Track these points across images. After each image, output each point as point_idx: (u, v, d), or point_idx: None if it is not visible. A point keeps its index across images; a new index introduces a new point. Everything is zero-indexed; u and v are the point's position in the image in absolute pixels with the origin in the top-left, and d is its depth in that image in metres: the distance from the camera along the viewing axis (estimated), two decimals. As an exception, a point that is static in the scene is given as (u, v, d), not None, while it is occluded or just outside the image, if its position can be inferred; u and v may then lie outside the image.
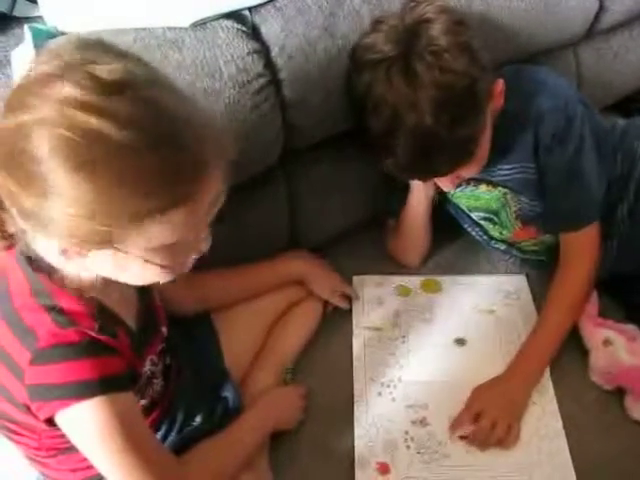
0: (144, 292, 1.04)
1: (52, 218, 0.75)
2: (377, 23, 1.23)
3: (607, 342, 1.30)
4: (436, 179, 1.33)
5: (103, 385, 0.83)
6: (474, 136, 1.21)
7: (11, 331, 0.85)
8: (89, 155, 0.71)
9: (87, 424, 0.84)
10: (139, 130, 0.73)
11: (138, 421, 0.91)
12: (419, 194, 1.45)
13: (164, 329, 1.11)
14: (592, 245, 1.36)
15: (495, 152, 1.32)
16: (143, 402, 1.01)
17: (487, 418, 1.24)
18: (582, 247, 1.36)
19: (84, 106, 0.71)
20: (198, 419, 1.12)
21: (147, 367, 1.01)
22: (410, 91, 1.15)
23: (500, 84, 1.26)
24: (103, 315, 0.88)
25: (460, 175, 1.31)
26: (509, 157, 1.35)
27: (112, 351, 0.86)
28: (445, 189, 1.38)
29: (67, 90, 0.72)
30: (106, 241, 0.77)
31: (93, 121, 0.70)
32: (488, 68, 1.22)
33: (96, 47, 0.79)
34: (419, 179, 1.35)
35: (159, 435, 1.07)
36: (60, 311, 0.84)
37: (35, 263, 0.86)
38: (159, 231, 0.79)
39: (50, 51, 0.80)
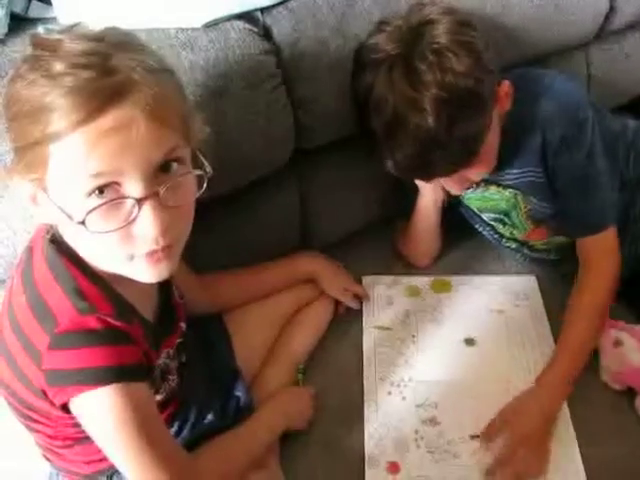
0: (164, 287, 1.05)
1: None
2: (382, 24, 1.23)
3: (618, 343, 1.30)
4: (443, 181, 1.32)
5: (119, 373, 0.84)
6: (476, 137, 1.19)
7: (33, 313, 0.86)
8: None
9: (102, 411, 0.85)
10: None
11: (152, 412, 0.92)
12: (427, 198, 1.45)
13: (183, 324, 1.11)
14: (612, 248, 1.34)
15: (503, 156, 1.32)
16: (158, 397, 1.01)
17: (517, 443, 1.22)
18: (602, 251, 1.35)
19: None
20: (210, 417, 1.12)
21: (162, 360, 1.02)
22: (411, 90, 1.14)
23: (506, 86, 1.25)
24: (119, 302, 0.89)
25: (468, 178, 1.30)
26: (517, 161, 1.34)
27: (129, 340, 0.87)
28: (453, 192, 1.37)
29: None
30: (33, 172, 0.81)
31: None
32: (493, 69, 1.21)
33: None
34: (422, 179, 1.34)
35: (172, 431, 1.07)
36: (80, 295, 0.85)
37: (57, 245, 0.88)
38: (63, 159, 0.79)
39: None
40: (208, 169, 0.89)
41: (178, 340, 1.08)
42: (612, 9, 1.56)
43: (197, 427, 1.10)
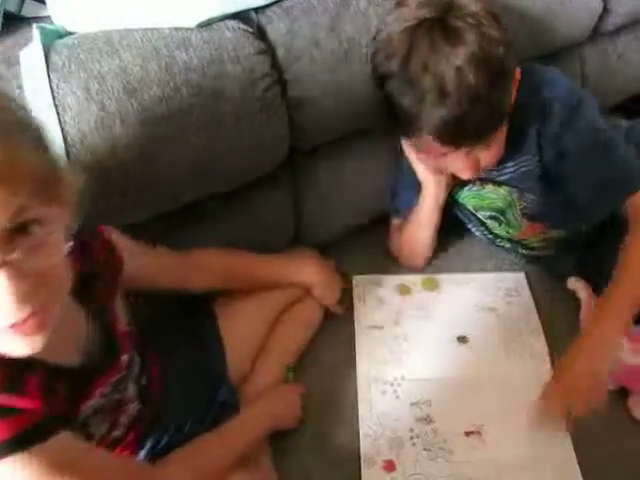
0: (100, 320, 0.99)
1: None
2: (399, 4, 1.23)
3: (610, 341, 1.31)
4: (457, 165, 1.29)
5: (19, 442, 0.79)
6: (503, 106, 1.21)
7: None
8: None
9: None
10: None
11: (81, 456, 0.88)
12: (430, 197, 1.44)
13: (124, 357, 1.03)
14: None
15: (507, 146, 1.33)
16: (117, 433, 0.99)
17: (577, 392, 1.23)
18: None
19: None
20: (188, 427, 1.12)
21: (94, 400, 0.95)
22: (453, 48, 1.14)
23: (517, 72, 1.26)
24: (8, 367, 0.81)
25: (479, 162, 1.29)
26: (513, 153, 1.35)
27: (18, 411, 0.80)
28: (464, 176, 1.33)
29: None
30: None
31: None
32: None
33: None
34: (450, 145, 1.25)
35: (147, 446, 1.06)
36: None
37: None
38: None
39: None
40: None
41: (118, 376, 1.00)
42: (605, 10, 1.57)
43: (176, 438, 1.09)
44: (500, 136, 1.27)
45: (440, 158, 1.29)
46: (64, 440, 0.85)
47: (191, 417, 1.14)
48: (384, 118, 1.29)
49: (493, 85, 1.16)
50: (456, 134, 1.20)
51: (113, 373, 0.99)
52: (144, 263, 1.16)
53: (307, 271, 1.42)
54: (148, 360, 1.11)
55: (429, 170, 1.40)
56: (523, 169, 1.36)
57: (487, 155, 1.29)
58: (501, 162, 1.36)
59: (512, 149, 1.34)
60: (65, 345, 0.91)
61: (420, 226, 1.50)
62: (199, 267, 1.26)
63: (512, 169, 1.37)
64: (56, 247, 0.78)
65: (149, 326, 1.20)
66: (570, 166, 1.32)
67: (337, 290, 1.46)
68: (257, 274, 1.36)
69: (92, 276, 0.98)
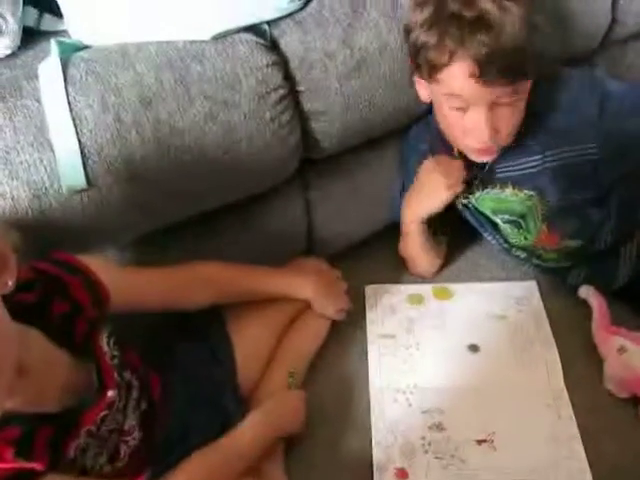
0: (84, 355, 0.98)
1: None
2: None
3: (622, 350, 1.31)
4: (477, 122, 1.26)
5: None
6: (537, 58, 1.22)
7: None
8: None
9: None
10: None
11: None
12: (419, 207, 1.45)
13: (111, 393, 0.99)
14: None
15: (524, 141, 1.35)
16: (119, 464, 0.99)
17: None
18: None
19: None
20: (195, 439, 1.12)
21: (82, 439, 0.93)
22: None
23: None
24: None
25: (497, 128, 1.27)
26: (539, 145, 1.35)
27: None
28: (480, 144, 1.30)
29: None
30: None
31: None
32: None
33: None
34: (486, 78, 1.20)
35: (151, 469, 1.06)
36: None
37: None
38: None
39: None
40: (10, 283, 0.79)
41: (104, 412, 0.97)
42: (614, 20, 1.58)
43: (182, 450, 1.10)
44: (522, 103, 1.27)
45: (459, 117, 1.28)
46: None
47: (197, 427, 1.15)
48: (395, 129, 1.30)
49: (532, 30, 1.18)
50: (492, 66, 1.18)
51: (99, 410, 0.96)
52: (142, 287, 1.15)
53: (302, 288, 1.40)
54: (148, 382, 1.11)
55: (436, 183, 1.40)
56: (550, 164, 1.35)
57: (507, 122, 1.27)
58: (527, 156, 1.37)
59: (536, 141, 1.35)
60: (43, 393, 0.89)
61: (410, 238, 1.51)
62: (197, 282, 1.25)
63: (539, 163, 1.37)
64: None
65: (151, 342, 1.22)
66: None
67: (336, 301, 1.44)
68: (255, 288, 1.35)
69: (71, 316, 0.96)
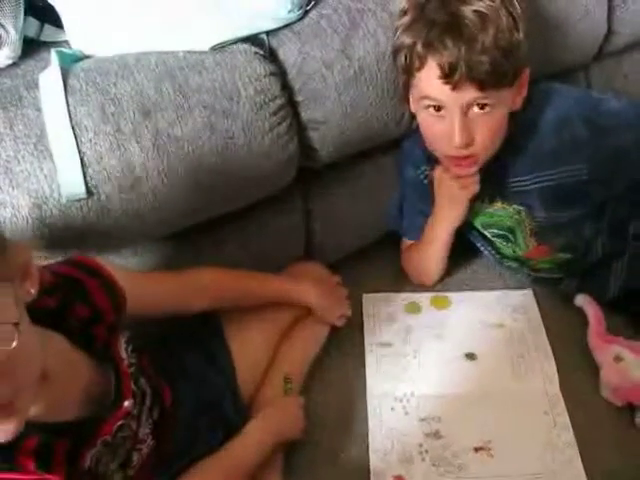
0: (104, 361, 0.98)
1: None
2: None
3: (618, 358, 1.31)
4: (451, 123, 1.25)
5: None
6: (512, 65, 1.21)
7: None
8: None
9: None
10: None
11: None
12: (447, 223, 1.44)
13: (127, 403, 0.98)
14: None
15: (511, 161, 1.35)
16: (130, 472, 0.99)
17: None
18: None
19: None
20: (202, 449, 1.13)
21: (97, 449, 0.92)
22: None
23: (526, 74, 1.28)
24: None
25: (472, 133, 1.26)
26: (528, 167, 1.36)
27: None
28: (455, 144, 1.27)
29: None
30: None
31: None
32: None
33: None
34: (455, 80, 1.20)
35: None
36: None
37: None
38: None
39: None
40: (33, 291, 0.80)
41: (120, 422, 0.96)
42: (610, 31, 1.58)
43: (188, 459, 1.11)
44: (499, 113, 1.27)
45: (435, 123, 1.28)
46: None
47: (202, 435, 1.15)
48: (393, 138, 1.31)
49: (514, 43, 1.19)
50: (458, 71, 1.19)
51: (116, 420, 0.96)
52: (147, 292, 1.14)
53: (303, 294, 1.40)
54: (159, 389, 1.11)
55: (451, 190, 1.39)
56: (540, 185, 1.36)
57: (482, 130, 1.26)
58: (511, 175, 1.37)
59: (524, 162, 1.35)
60: (64, 398, 0.89)
61: (435, 249, 1.51)
62: (197, 287, 1.25)
63: (527, 182, 1.37)
64: (8, 333, 0.72)
65: (158, 351, 1.21)
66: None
67: (338, 308, 1.44)
68: (255, 294, 1.35)
69: (91, 321, 0.96)
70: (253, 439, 1.18)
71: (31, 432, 0.81)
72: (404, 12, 1.24)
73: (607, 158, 1.34)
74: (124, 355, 1.02)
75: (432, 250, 1.51)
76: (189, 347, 1.28)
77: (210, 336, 1.31)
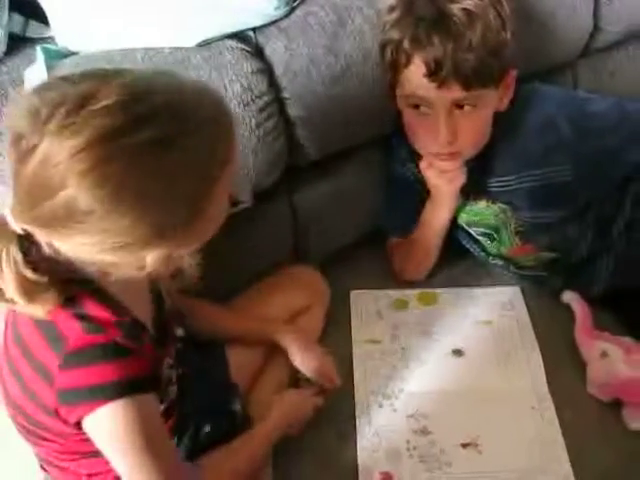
0: (156, 294, 1.06)
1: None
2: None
3: (604, 354, 1.32)
4: (436, 122, 1.25)
5: (128, 387, 0.85)
6: (501, 58, 1.22)
7: (44, 338, 0.87)
8: None
9: (112, 425, 0.86)
10: None
11: (159, 424, 0.93)
12: (444, 213, 1.44)
13: (180, 331, 1.12)
14: None
15: (495, 161, 1.36)
16: (162, 407, 1.01)
17: None
18: None
19: None
20: (207, 428, 1.13)
21: (165, 370, 1.02)
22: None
23: (511, 76, 1.28)
24: (128, 321, 0.90)
25: (457, 132, 1.26)
26: (513, 166, 1.36)
27: (137, 353, 0.87)
28: (439, 144, 1.28)
29: None
30: None
31: None
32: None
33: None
34: (441, 76, 1.20)
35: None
36: (89, 319, 0.86)
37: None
38: None
39: None
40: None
41: (177, 346, 1.09)
42: (596, 28, 1.59)
43: (195, 439, 1.11)
44: (484, 113, 1.28)
45: (421, 116, 1.29)
46: (155, 402, 0.92)
47: (209, 419, 1.15)
48: (380, 135, 1.31)
49: (501, 43, 1.20)
50: (444, 69, 1.19)
51: (172, 344, 1.07)
52: None
53: (285, 340, 1.33)
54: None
55: (443, 180, 1.39)
56: (525, 185, 1.37)
57: (466, 129, 1.27)
58: (495, 174, 1.38)
59: (508, 162, 1.36)
60: (146, 312, 1.01)
61: (431, 244, 1.51)
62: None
63: (511, 182, 1.38)
64: None
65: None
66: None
67: (314, 358, 1.34)
68: (237, 334, 1.32)
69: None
70: (272, 432, 1.19)
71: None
72: (392, 8, 1.24)
73: (591, 159, 1.35)
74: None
75: (424, 246, 1.51)
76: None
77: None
